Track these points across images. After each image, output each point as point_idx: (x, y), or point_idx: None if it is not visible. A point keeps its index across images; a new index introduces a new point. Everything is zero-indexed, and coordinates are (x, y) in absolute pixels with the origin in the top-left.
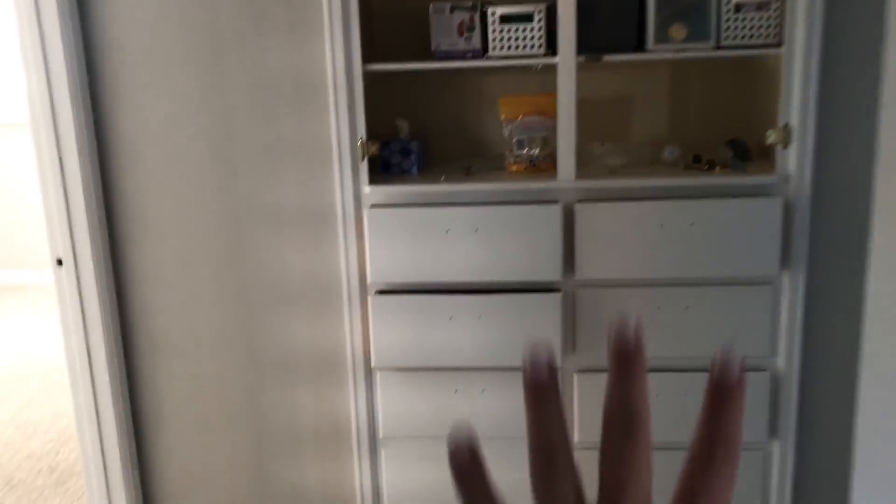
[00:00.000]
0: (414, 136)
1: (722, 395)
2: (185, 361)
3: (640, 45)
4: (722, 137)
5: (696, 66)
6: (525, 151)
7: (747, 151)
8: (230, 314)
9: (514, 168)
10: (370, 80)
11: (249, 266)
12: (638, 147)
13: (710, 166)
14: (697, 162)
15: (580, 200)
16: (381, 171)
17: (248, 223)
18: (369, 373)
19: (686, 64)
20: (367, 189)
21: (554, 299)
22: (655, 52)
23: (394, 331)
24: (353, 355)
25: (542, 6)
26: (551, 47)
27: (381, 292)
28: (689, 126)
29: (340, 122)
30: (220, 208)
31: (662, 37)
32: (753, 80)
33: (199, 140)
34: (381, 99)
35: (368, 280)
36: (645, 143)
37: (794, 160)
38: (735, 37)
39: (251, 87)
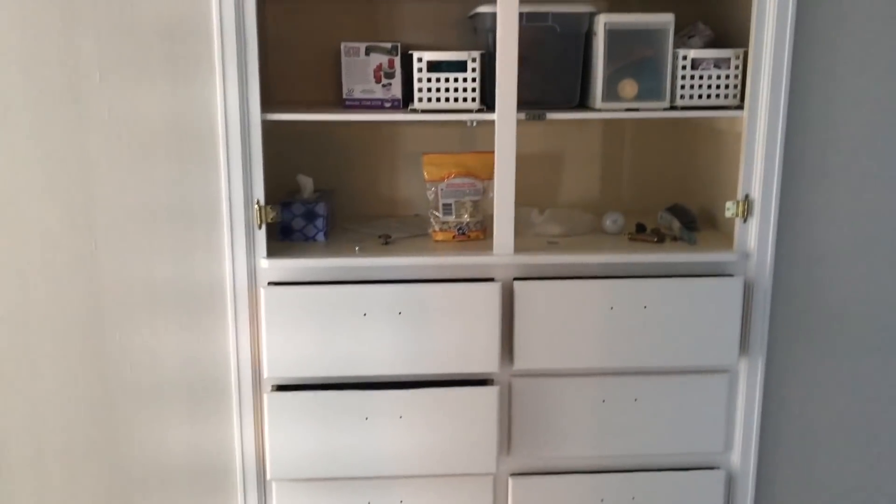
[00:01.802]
0: (320, 195)
1: None
2: (31, 479)
3: (583, 101)
4: (661, 203)
5: (638, 124)
6: (453, 218)
7: (693, 220)
8: (87, 418)
9: (440, 237)
10: (265, 129)
11: (113, 357)
12: (576, 213)
13: (659, 238)
14: (642, 231)
15: (519, 278)
16: (280, 237)
17: (111, 305)
18: (264, 486)
19: (627, 122)
20: (263, 263)
21: (489, 394)
22: (603, 110)
23: (295, 435)
24: (244, 465)
25: (477, 54)
26: (485, 100)
27: (280, 388)
28: (625, 189)
29: (233, 180)
30: (76, 288)
31: (611, 93)
32: (701, 142)
33: (49, 202)
34: (281, 150)
35: (264, 374)
36: (580, 207)
37: (755, 236)
38: (690, 96)
39: (119, 136)
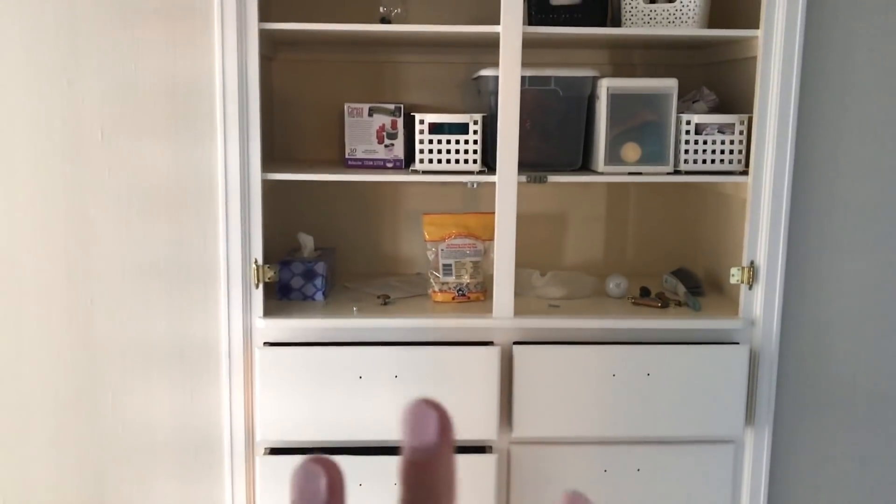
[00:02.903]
0: (321, 253)
1: None
2: None
3: (585, 164)
4: (666, 266)
5: (643, 187)
6: (452, 279)
7: (698, 285)
8: (78, 476)
9: (439, 297)
10: (266, 187)
11: (104, 416)
12: (579, 276)
13: (663, 303)
14: (646, 296)
15: (519, 342)
16: (279, 296)
17: (105, 362)
18: None
19: (631, 185)
20: (259, 322)
21: (487, 462)
22: (606, 173)
23: (286, 500)
24: None
25: (479, 117)
26: (486, 162)
27: (274, 451)
28: (630, 251)
29: (231, 239)
30: (70, 343)
31: (614, 157)
32: (706, 206)
33: (48, 258)
34: (283, 207)
35: (257, 437)
36: (582, 269)
37: (761, 303)
38: (694, 160)
39: (119, 195)
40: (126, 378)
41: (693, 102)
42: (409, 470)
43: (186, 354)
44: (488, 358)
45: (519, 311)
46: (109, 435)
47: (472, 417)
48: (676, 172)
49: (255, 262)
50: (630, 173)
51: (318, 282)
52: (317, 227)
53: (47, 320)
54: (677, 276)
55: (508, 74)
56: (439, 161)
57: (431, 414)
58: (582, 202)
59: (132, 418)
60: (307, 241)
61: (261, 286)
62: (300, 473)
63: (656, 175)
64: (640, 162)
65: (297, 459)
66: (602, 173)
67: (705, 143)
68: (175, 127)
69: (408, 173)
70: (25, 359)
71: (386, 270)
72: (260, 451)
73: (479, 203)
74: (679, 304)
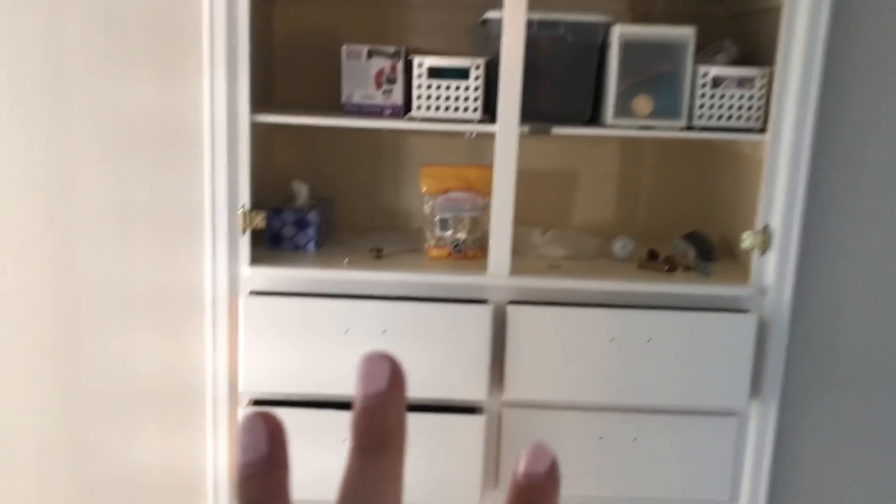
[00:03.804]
0: (316, 204)
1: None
2: (1, 483)
3: (594, 117)
4: (679, 229)
5: (658, 145)
6: (449, 234)
7: (710, 249)
8: (58, 422)
9: (434, 253)
10: (262, 132)
11: (86, 363)
12: (583, 236)
13: (670, 267)
14: (654, 259)
15: (514, 302)
16: (270, 245)
17: (87, 307)
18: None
19: (645, 142)
20: (246, 270)
21: (476, 423)
22: (614, 127)
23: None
24: (216, 481)
25: (481, 61)
26: (489, 111)
27: (256, 403)
28: (641, 213)
29: (217, 183)
30: (53, 287)
31: (624, 110)
32: (723, 167)
33: (29, 197)
34: (279, 154)
35: (240, 388)
36: (591, 230)
37: (773, 270)
38: (710, 116)
39: (102, 132)
40: (108, 323)
41: (713, 55)
42: (361, 416)
43: (170, 301)
44: (480, 316)
45: (517, 270)
46: (90, 380)
47: (462, 377)
48: (690, 128)
49: (242, 207)
50: (641, 127)
51: (310, 231)
52: (316, 177)
53: (27, 263)
54: (689, 239)
55: (513, 15)
56: (438, 108)
57: (384, 363)
58: (592, 160)
59: (114, 364)
60: (301, 190)
61: (248, 233)
62: (242, 427)
63: (669, 130)
64: (653, 116)
65: (281, 412)
66: (611, 126)
67: (722, 97)
68: (160, 62)
69: (404, 120)
70: (4, 302)
71: (386, 224)
72: (243, 402)
73: (485, 157)
74: (688, 268)
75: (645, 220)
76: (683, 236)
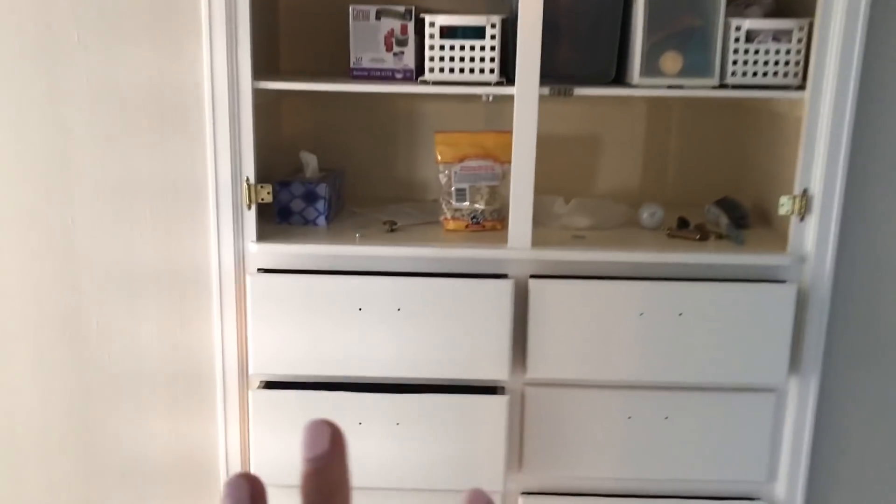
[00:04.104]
0: (327, 175)
1: None
2: (5, 469)
3: (619, 76)
4: (710, 195)
5: (686, 105)
6: (466, 205)
7: (743, 216)
8: (63, 406)
9: (451, 225)
10: (267, 101)
11: (91, 346)
12: (608, 204)
13: (702, 235)
14: (684, 227)
15: (536, 276)
16: (279, 219)
17: (88, 287)
18: None
19: (673, 102)
20: (252, 247)
21: (498, 404)
22: (641, 87)
23: (281, 437)
24: (227, 466)
25: (497, 19)
26: (506, 72)
27: (268, 385)
28: (669, 178)
29: (219, 155)
30: (52, 268)
31: (651, 68)
32: (757, 127)
33: (25, 176)
34: (282, 125)
35: (250, 370)
36: (616, 197)
37: (813, 237)
38: (744, 73)
39: (98, 103)
40: (110, 304)
41: (746, 7)
42: (308, 478)
43: (175, 280)
44: (500, 292)
45: (539, 241)
46: (95, 363)
47: (483, 356)
48: (723, 86)
49: (247, 180)
50: (669, 87)
51: (320, 205)
52: (325, 147)
53: (25, 241)
54: (721, 206)
55: None
56: (452, 70)
57: (325, 428)
58: (617, 122)
59: (118, 347)
60: (310, 161)
61: (253, 207)
62: (227, 485)
63: (700, 89)
64: (682, 74)
65: (293, 394)
66: (637, 86)
67: (757, 52)
68: (156, 30)
69: (416, 84)
70: (3, 283)
71: (400, 196)
72: (254, 384)
73: (504, 122)
74: (720, 237)
75: (673, 186)
76: (715, 203)
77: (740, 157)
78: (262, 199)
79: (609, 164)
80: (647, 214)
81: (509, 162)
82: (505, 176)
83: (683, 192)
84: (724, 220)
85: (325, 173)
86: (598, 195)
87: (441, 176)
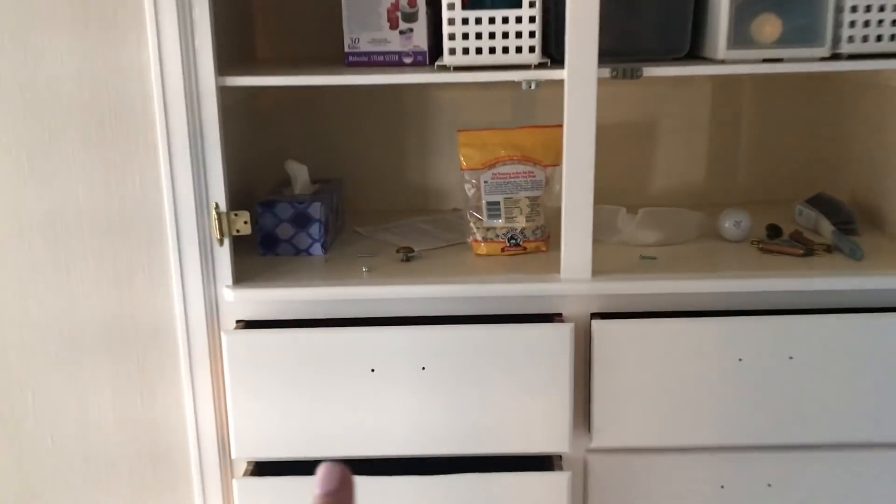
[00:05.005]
0: (321, 189)
1: None
2: None
3: (695, 49)
4: (796, 192)
5: (765, 78)
6: (501, 222)
7: (849, 220)
8: None
9: (482, 249)
10: (240, 101)
11: (25, 425)
12: (680, 214)
13: (806, 249)
14: (776, 236)
15: (599, 314)
16: (263, 250)
17: (17, 352)
18: None
19: (755, 78)
20: (228, 294)
21: (556, 483)
22: (730, 62)
23: None
24: None
25: None
26: (549, 51)
27: (257, 471)
28: (742, 171)
29: (178, 176)
30: None
31: (742, 37)
32: (861, 105)
33: None
34: (263, 129)
35: (232, 452)
36: (676, 197)
37: None
38: (864, 38)
39: (11, 113)
40: (50, 372)
41: None
42: None
43: (131, 339)
44: (556, 338)
45: (600, 267)
46: (35, 448)
47: (534, 422)
48: (835, 57)
49: (216, 208)
50: (765, 60)
51: (315, 229)
52: (319, 155)
53: None
54: (816, 206)
55: None
56: (479, 51)
57: (336, 469)
58: (677, 105)
59: (63, 426)
60: (299, 173)
61: (227, 242)
62: (319, 470)
63: (805, 62)
64: (780, 42)
65: (289, 482)
66: (724, 61)
67: (882, 9)
68: (85, 11)
69: (432, 71)
70: None
71: (413, 206)
72: (239, 470)
73: (538, 113)
74: (828, 249)
75: (746, 182)
76: (807, 202)
77: (834, 142)
78: (238, 231)
79: (666, 156)
80: (732, 224)
81: (553, 165)
82: (549, 183)
83: (760, 189)
84: (825, 224)
85: (318, 186)
86: (651, 197)
87: (467, 186)
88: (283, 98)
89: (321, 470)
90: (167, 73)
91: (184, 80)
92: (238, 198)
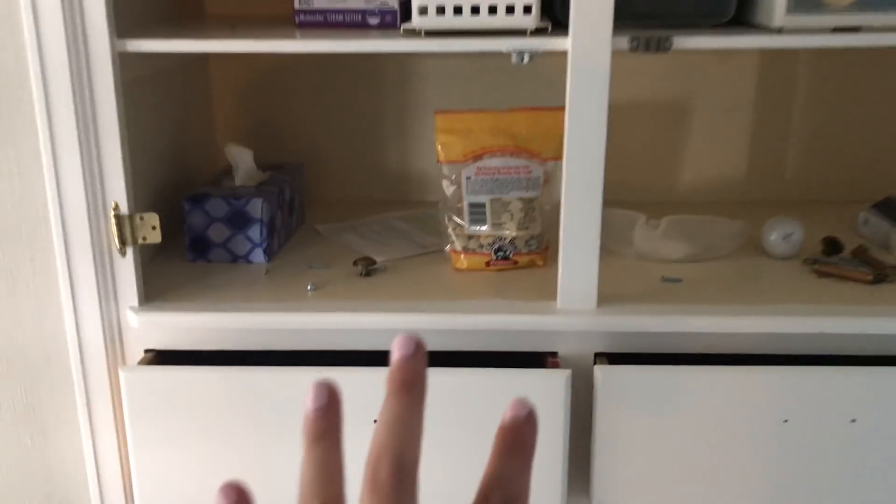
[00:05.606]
0: (264, 181)
1: (512, 449)
2: None
3: (740, 14)
4: (859, 194)
5: (820, 52)
6: (486, 229)
7: None
8: None
9: (463, 262)
10: (172, 65)
11: None
12: (713, 224)
13: (876, 273)
14: (834, 253)
15: (604, 354)
16: (192, 256)
17: None
18: None
19: (808, 53)
20: (132, 318)
21: None
22: (789, 31)
23: None
24: None
25: None
26: (550, 13)
27: None
28: (789, 167)
29: (63, 169)
30: None
31: (803, 0)
32: None
33: None
34: (202, 102)
35: None
36: (709, 197)
37: None
38: None
39: None
40: None
41: None
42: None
43: (15, 372)
44: (547, 390)
45: (608, 294)
46: None
47: None
48: None
49: (116, 209)
50: (835, 30)
51: (255, 232)
52: (269, 137)
53: None
54: (886, 213)
55: None
56: (458, 10)
57: (324, 384)
58: (715, 82)
59: None
60: (241, 159)
61: (130, 252)
62: (311, 387)
63: (888, 33)
64: (856, 7)
65: None
66: (781, 30)
67: None
68: None
69: (398, 38)
70: None
71: (388, 198)
72: None
73: (534, 91)
74: None
75: (796, 180)
76: (873, 207)
77: None
78: (146, 239)
79: (698, 146)
80: (779, 237)
81: (555, 158)
82: (548, 181)
83: (815, 189)
84: None
85: (268, 175)
86: (677, 198)
87: (445, 183)
88: (234, 66)
89: (311, 388)
90: (44, 33)
91: (67, 42)
92: (172, 192)
